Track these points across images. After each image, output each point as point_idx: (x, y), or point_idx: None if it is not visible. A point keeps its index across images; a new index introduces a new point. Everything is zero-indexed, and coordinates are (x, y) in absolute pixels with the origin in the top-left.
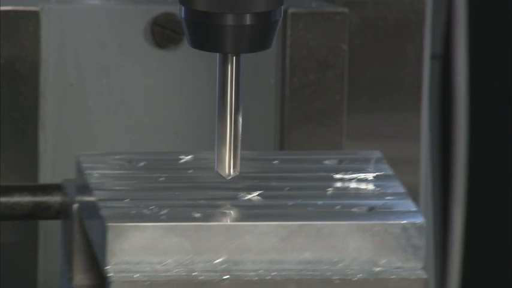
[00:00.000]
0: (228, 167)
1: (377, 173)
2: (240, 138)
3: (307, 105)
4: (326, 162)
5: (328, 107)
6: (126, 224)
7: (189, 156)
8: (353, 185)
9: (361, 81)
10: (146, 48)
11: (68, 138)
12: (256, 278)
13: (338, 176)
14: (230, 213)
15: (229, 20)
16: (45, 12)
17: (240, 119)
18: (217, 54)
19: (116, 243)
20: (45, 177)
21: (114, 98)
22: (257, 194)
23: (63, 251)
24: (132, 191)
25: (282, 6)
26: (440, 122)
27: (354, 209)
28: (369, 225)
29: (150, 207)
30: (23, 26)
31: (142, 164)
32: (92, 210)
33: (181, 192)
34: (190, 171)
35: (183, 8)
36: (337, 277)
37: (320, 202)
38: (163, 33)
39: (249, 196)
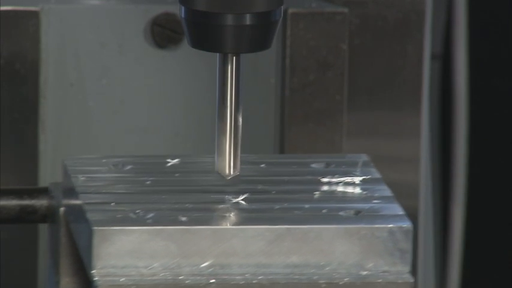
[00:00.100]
0: (228, 167)
1: (364, 177)
2: (240, 138)
3: (307, 105)
4: (313, 165)
5: (328, 107)
6: (112, 227)
7: (175, 160)
8: (340, 188)
9: (361, 81)
10: (146, 48)
11: (68, 138)
12: (243, 282)
13: (325, 179)
14: (217, 216)
15: (229, 20)
16: (45, 12)
17: (240, 119)
18: (217, 54)
19: (101, 247)
20: (45, 177)
21: (114, 98)
22: (244, 197)
23: (49, 255)
24: (119, 195)
25: (282, 6)
26: (440, 121)
27: (341, 213)
28: (356, 229)
29: (136, 211)
30: (23, 26)
31: (129, 167)
32: (78, 214)
33: (167, 195)
34: (177, 174)
35: (183, 8)
36: (324, 281)
37: (307, 206)
38: (163, 33)
39: (236, 200)
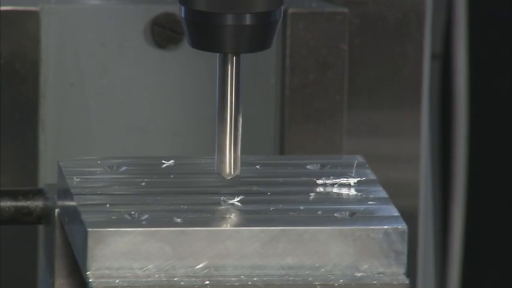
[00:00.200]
0: (229, 167)
1: (359, 178)
2: (240, 138)
3: (307, 105)
4: (308, 167)
5: (328, 107)
6: (106, 229)
7: (170, 161)
8: (335, 190)
9: (361, 81)
10: (146, 48)
11: (68, 138)
12: (238, 284)
13: (320, 181)
14: (212, 218)
15: (229, 20)
16: (45, 12)
17: (240, 119)
18: (217, 54)
19: (96, 249)
20: (45, 177)
21: (114, 98)
22: (239, 199)
23: (44, 256)
24: (113, 196)
25: (282, 6)
26: (440, 121)
27: (336, 214)
28: (351, 231)
29: (131, 213)
30: (23, 26)
31: (124, 168)
32: (72, 216)
33: (162, 197)
34: (172, 176)
35: (183, 8)
36: (318, 282)
37: (302, 207)
38: (163, 33)
39: (231, 201)
